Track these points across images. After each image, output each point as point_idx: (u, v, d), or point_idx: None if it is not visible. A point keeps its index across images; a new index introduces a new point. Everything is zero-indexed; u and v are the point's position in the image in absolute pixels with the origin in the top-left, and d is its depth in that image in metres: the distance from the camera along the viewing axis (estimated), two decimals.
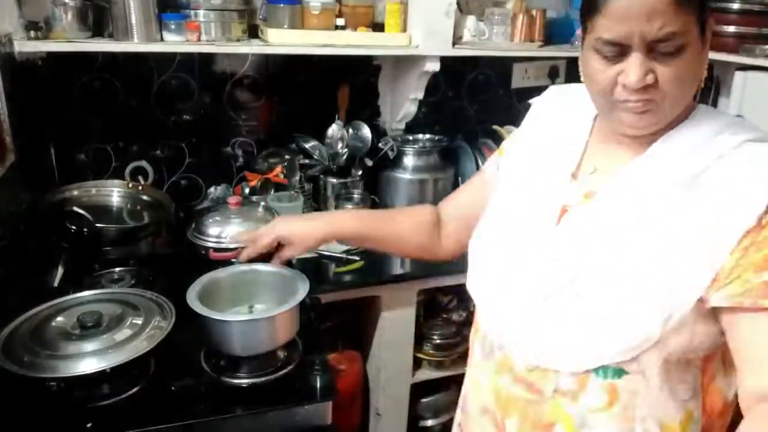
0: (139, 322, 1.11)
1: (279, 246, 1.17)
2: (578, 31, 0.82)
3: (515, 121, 1.23)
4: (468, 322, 2.05)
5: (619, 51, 0.73)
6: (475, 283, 0.94)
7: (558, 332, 0.81)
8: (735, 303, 0.71)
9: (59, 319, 1.12)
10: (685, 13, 0.70)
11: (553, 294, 0.81)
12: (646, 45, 0.71)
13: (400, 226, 1.13)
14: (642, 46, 0.71)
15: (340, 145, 1.98)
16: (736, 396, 0.79)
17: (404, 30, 1.79)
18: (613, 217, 0.78)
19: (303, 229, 1.15)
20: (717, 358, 0.81)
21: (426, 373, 1.91)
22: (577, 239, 0.80)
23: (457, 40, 1.83)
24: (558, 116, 0.94)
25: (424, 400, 2.01)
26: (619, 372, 0.79)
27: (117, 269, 1.52)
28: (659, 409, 0.81)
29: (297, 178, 1.89)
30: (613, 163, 0.83)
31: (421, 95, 1.96)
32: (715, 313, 0.74)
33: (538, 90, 1.05)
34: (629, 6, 0.69)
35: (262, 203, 1.64)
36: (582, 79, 0.82)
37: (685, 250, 0.73)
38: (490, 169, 1.06)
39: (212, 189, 1.98)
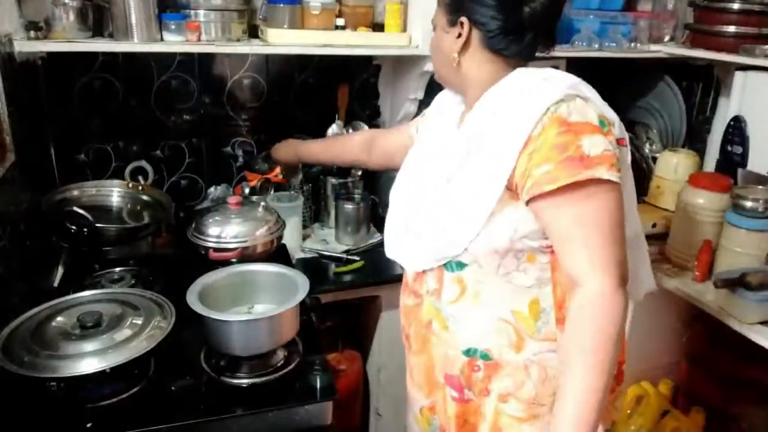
0: (139, 322, 1.11)
1: None
2: None
3: None
4: None
5: None
6: (387, 221, 1.21)
7: (417, 239, 1.08)
8: (530, 195, 0.93)
9: (59, 319, 1.12)
10: (440, 3, 1.08)
11: (419, 209, 1.09)
12: None
13: (345, 145, 1.64)
14: None
15: None
16: None
17: (404, 30, 1.79)
18: (456, 149, 1.05)
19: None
20: None
21: None
22: (438, 169, 1.07)
23: None
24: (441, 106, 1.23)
25: None
26: (461, 264, 1.04)
27: (117, 269, 1.52)
28: (504, 295, 1.03)
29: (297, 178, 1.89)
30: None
31: (421, 95, 1.96)
32: (532, 210, 0.95)
33: None
34: None
35: (262, 203, 1.64)
36: None
37: (486, 166, 0.97)
38: (413, 129, 1.35)
39: (212, 189, 1.98)
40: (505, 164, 0.95)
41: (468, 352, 1.07)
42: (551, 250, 1.00)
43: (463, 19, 1.02)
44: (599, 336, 0.89)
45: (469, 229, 0.99)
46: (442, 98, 1.23)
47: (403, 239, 1.14)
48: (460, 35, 1.03)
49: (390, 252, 1.18)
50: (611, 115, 1.00)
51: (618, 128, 1.00)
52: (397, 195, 1.20)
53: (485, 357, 1.06)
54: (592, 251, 0.91)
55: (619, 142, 0.99)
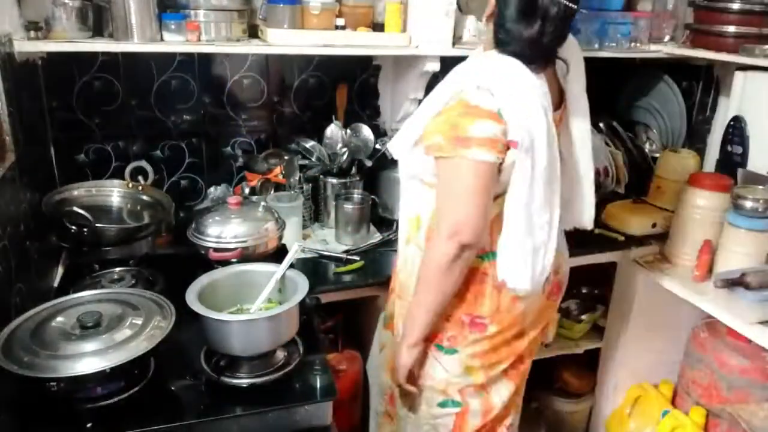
0: (139, 322, 1.11)
1: None
2: None
3: None
4: None
5: None
6: None
7: None
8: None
9: (59, 319, 1.12)
10: None
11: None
12: None
13: None
14: None
15: (339, 145, 1.98)
16: None
17: (404, 30, 1.79)
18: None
19: None
20: None
21: None
22: None
23: (457, 40, 1.83)
24: None
25: None
26: None
27: (117, 269, 1.52)
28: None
29: (296, 178, 1.89)
30: None
31: (421, 95, 1.96)
32: None
33: None
34: None
35: (262, 203, 1.64)
36: None
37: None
38: None
39: (212, 189, 1.98)
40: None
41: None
42: None
43: None
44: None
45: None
46: None
47: None
48: None
49: None
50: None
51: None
52: None
53: None
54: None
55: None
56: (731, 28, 1.89)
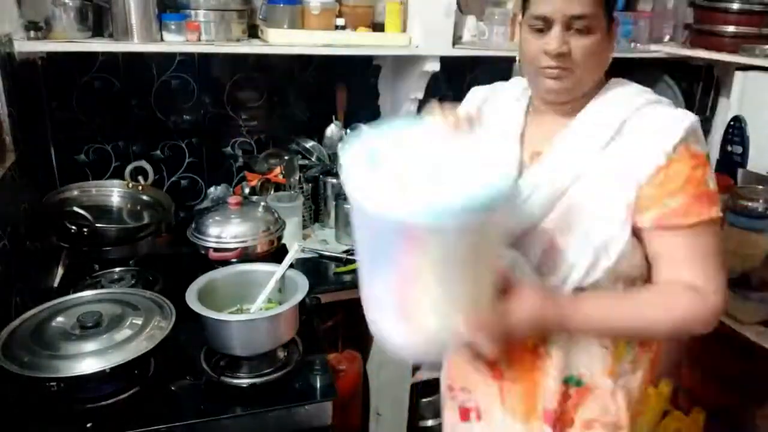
0: (139, 322, 1.11)
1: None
2: (518, 17, 1.04)
3: None
4: None
5: (545, 25, 0.92)
6: None
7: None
8: (656, 224, 0.90)
9: (59, 319, 1.12)
10: (596, 3, 0.90)
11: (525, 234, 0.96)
12: (565, 22, 0.91)
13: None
14: (561, 22, 0.91)
15: (339, 145, 1.98)
16: None
17: (404, 30, 1.79)
18: (555, 174, 0.95)
19: None
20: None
21: (426, 373, 1.91)
22: (533, 190, 0.96)
23: (457, 40, 1.83)
24: (496, 102, 1.10)
25: (424, 400, 2.00)
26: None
27: (117, 269, 1.52)
28: None
29: (296, 178, 1.89)
30: (549, 130, 0.99)
31: (421, 95, 1.96)
32: (640, 232, 0.92)
33: None
34: None
35: (262, 203, 1.64)
36: (518, 55, 1.02)
37: (605, 194, 0.91)
38: None
39: (212, 189, 1.98)
40: (625, 196, 0.91)
41: (566, 380, 1.00)
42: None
43: (616, 15, 0.96)
44: (676, 316, 0.94)
45: (588, 264, 0.93)
46: (501, 104, 1.10)
47: None
48: (610, 33, 0.95)
49: None
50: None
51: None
52: None
53: (579, 383, 1.01)
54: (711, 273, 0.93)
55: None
56: (731, 28, 1.89)
